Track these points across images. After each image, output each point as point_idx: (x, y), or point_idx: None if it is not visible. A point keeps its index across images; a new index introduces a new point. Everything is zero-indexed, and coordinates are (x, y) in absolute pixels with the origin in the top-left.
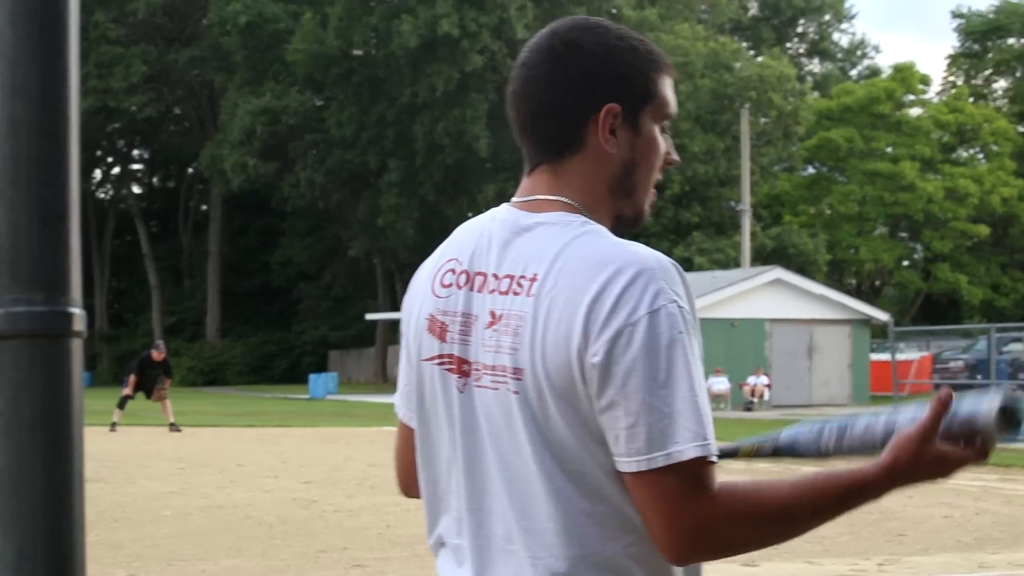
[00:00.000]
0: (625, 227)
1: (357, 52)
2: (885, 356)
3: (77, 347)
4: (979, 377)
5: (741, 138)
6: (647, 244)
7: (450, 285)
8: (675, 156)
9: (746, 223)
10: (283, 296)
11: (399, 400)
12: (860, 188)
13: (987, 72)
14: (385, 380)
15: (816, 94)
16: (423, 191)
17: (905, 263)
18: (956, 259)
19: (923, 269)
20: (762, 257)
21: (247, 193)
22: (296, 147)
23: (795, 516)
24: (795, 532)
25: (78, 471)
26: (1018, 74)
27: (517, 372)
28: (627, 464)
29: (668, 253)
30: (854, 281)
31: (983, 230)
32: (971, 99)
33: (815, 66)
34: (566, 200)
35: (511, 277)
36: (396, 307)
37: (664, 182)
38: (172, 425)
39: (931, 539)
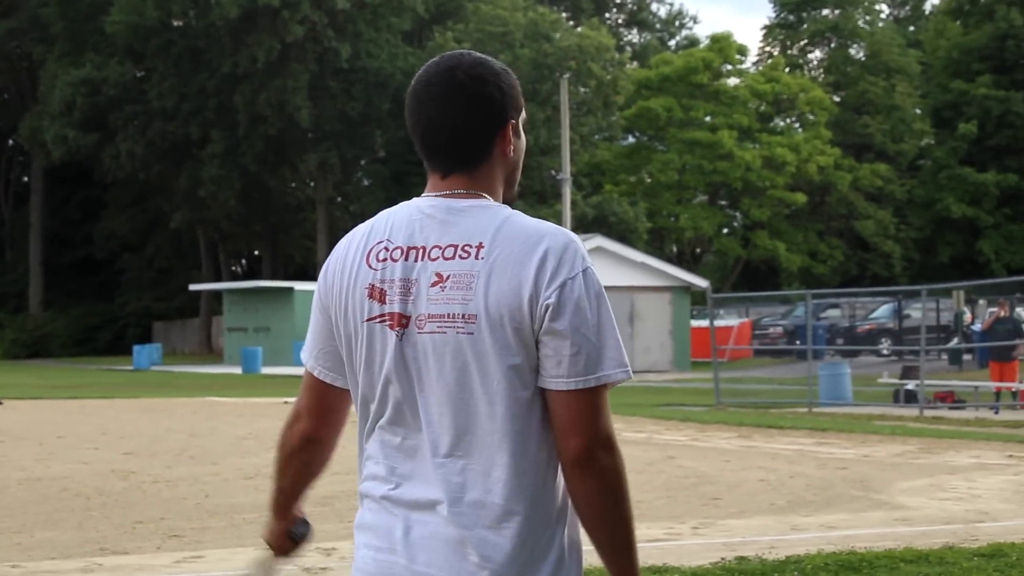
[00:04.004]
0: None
1: (176, 22)
2: (706, 323)
3: None
4: (798, 342)
5: (561, 108)
6: None
7: (384, 260)
8: None
9: (567, 192)
10: (106, 268)
11: (314, 359)
12: (679, 157)
13: (802, 43)
14: (210, 350)
15: (635, 64)
16: (245, 161)
17: (725, 231)
18: (774, 227)
19: (742, 236)
20: (583, 225)
21: (68, 165)
22: (116, 118)
23: (628, 513)
24: (623, 518)
25: None
26: (832, 45)
27: (469, 317)
28: (566, 383)
29: None
30: (675, 248)
31: (800, 198)
32: (787, 69)
33: (634, 36)
34: (482, 194)
35: (455, 246)
36: (219, 277)
37: None
38: None
39: (746, 502)
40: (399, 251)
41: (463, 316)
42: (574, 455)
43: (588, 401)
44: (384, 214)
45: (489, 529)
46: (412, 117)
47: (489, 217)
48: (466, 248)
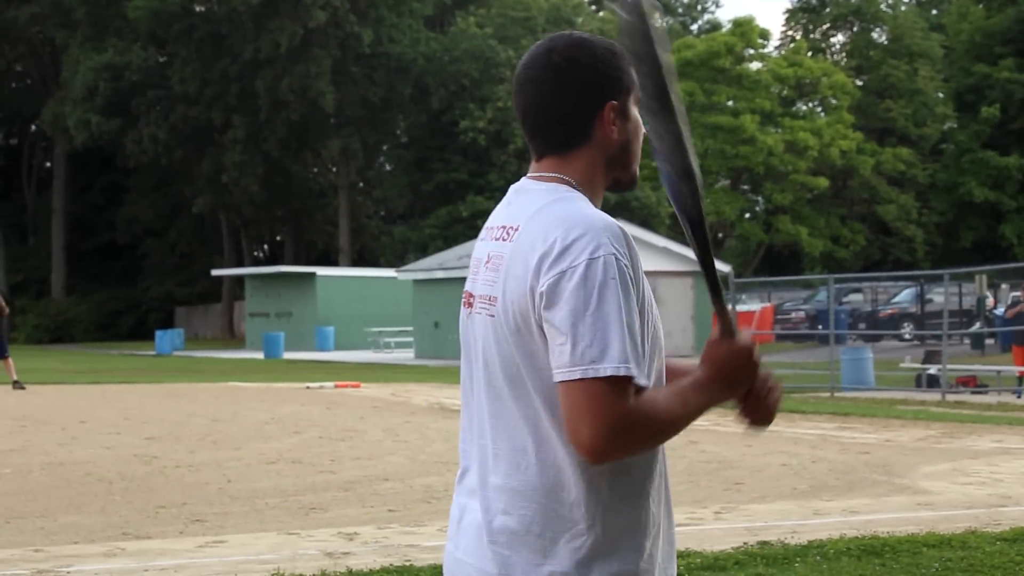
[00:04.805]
0: (622, 189)
1: (199, 8)
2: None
3: None
4: (820, 327)
5: None
6: (494, 196)
7: (484, 239)
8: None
9: None
10: (129, 253)
11: None
12: (701, 141)
13: (825, 26)
14: (232, 336)
15: None
16: (267, 147)
17: (747, 215)
18: (796, 211)
19: (764, 221)
20: (605, 210)
21: (91, 150)
22: (139, 104)
23: (677, 420)
24: (677, 431)
25: None
26: (855, 28)
27: (493, 300)
28: (559, 374)
29: None
30: None
31: (823, 182)
32: (809, 53)
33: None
34: (565, 177)
35: (504, 227)
36: (241, 263)
37: (507, 137)
38: (16, 383)
39: (768, 487)
40: (488, 231)
41: (490, 298)
42: (585, 456)
43: (583, 395)
44: None
45: (506, 515)
46: (514, 100)
47: (536, 199)
48: (508, 230)
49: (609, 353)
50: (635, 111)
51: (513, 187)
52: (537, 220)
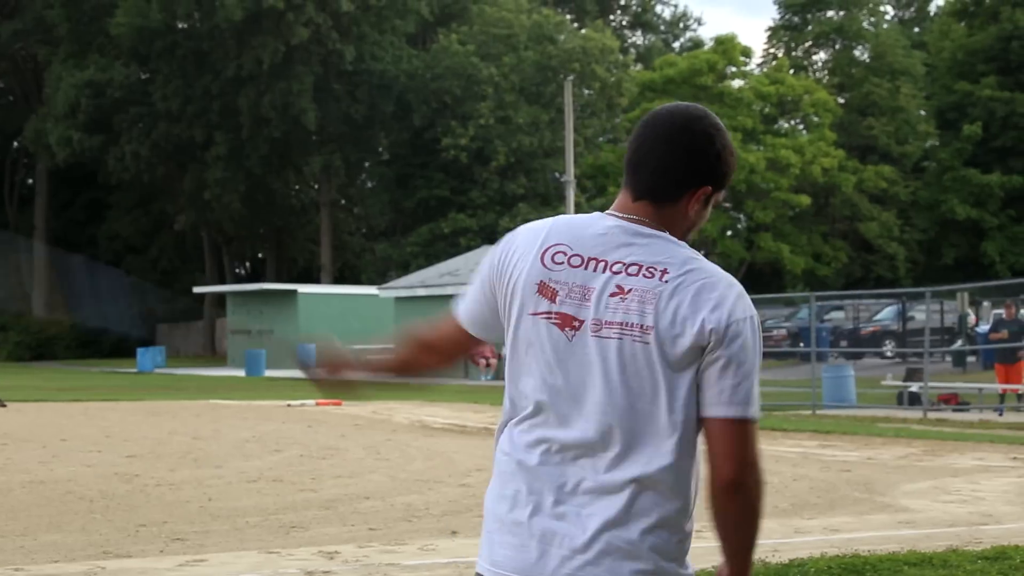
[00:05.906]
0: None
1: (181, 25)
2: None
3: None
4: (801, 344)
5: (565, 110)
6: (476, 214)
7: (561, 263)
8: None
9: (570, 194)
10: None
11: (464, 310)
12: None
13: (807, 44)
14: (213, 353)
15: (639, 66)
16: (249, 164)
17: (728, 233)
18: (778, 229)
19: (746, 239)
20: None
21: (73, 167)
22: (121, 120)
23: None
24: (756, 527)
25: None
26: (837, 46)
27: (646, 329)
28: (726, 410)
29: (494, 224)
30: None
31: (804, 200)
32: (791, 71)
33: (638, 38)
34: (665, 230)
35: (640, 265)
36: (223, 280)
37: (489, 154)
38: None
39: None
40: (577, 258)
41: (641, 327)
42: (723, 479)
43: (742, 430)
44: (565, 220)
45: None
46: (642, 135)
47: (676, 249)
48: (650, 270)
49: (757, 400)
50: (709, 210)
51: (622, 227)
52: (696, 272)
